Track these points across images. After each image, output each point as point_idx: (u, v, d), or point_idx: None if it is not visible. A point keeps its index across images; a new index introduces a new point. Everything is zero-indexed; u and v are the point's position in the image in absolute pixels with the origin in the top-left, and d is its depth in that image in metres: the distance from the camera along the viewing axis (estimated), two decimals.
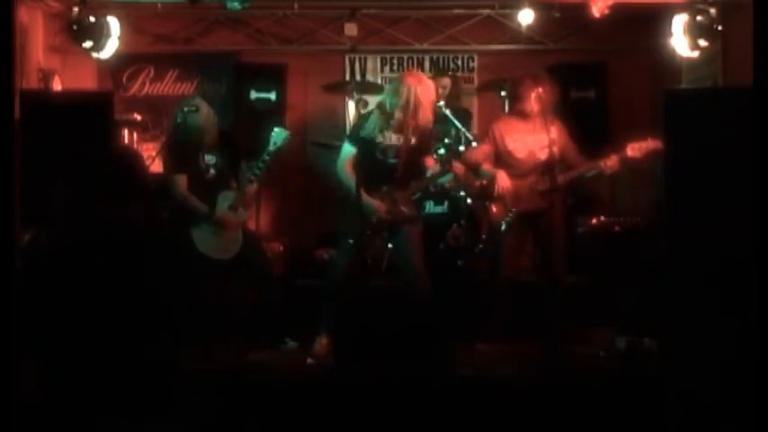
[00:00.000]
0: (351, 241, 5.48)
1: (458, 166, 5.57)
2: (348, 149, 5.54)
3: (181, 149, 5.78)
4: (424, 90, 5.42)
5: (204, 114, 5.70)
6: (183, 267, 5.55)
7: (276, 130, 5.67)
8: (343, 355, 5.15)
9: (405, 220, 5.57)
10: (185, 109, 5.70)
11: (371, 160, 5.49)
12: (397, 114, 5.41)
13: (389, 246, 5.91)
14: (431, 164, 5.68)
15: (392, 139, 5.49)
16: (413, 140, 5.48)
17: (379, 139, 5.49)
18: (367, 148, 5.50)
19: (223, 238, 5.68)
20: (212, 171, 5.74)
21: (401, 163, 5.49)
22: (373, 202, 5.44)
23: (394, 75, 8.29)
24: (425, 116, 5.44)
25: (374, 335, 5.07)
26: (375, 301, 5.28)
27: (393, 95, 5.44)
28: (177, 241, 5.61)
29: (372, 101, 7.30)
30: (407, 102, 5.37)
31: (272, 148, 5.63)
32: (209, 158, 5.74)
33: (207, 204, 5.67)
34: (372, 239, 5.55)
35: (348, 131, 5.60)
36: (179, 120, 5.70)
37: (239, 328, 5.98)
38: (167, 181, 5.77)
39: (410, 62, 8.34)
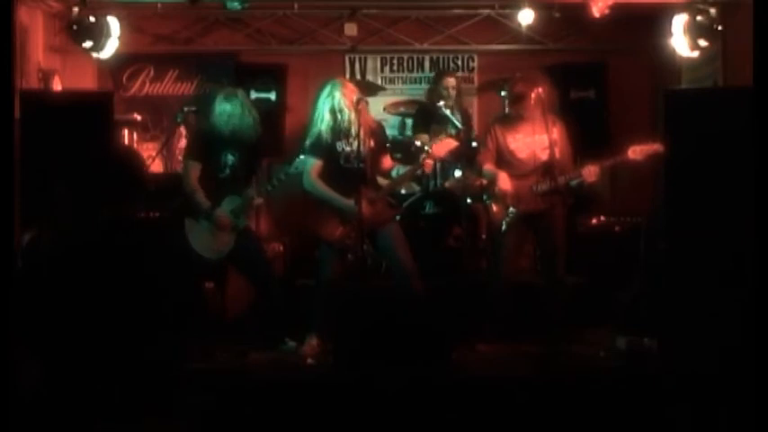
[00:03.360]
0: (332, 247, 5.59)
1: (427, 162, 5.64)
2: (311, 162, 5.63)
3: (205, 139, 5.76)
4: (349, 91, 5.61)
5: (246, 112, 5.71)
6: (188, 265, 5.56)
7: (302, 157, 5.68)
8: (343, 356, 5.15)
9: (385, 220, 5.68)
10: (223, 97, 5.71)
11: (337, 169, 5.60)
12: (345, 115, 5.54)
13: (375, 250, 5.93)
14: (389, 164, 5.88)
15: (350, 145, 5.59)
16: (371, 143, 5.62)
17: (339, 148, 5.60)
18: (329, 158, 5.61)
19: (216, 238, 5.65)
20: (228, 171, 5.73)
21: (367, 167, 5.59)
22: (353, 205, 5.48)
23: (394, 75, 8.30)
24: (364, 114, 5.60)
25: (374, 335, 5.08)
26: (374, 301, 5.28)
27: (330, 99, 5.58)
28: (173, 239, 5.59)
29: (372, 101, 7.30)
30: (344, 102, 5.54)
31: (292, 171, 5.64)
32: (230, 158, 5.72)
33: (212, 201, 5.66)
34: (355, 244, 5.59)
35: (307, 144, 5.64)
36: (187, 109, 5.70)
37: (239, 328, 5.99)
38: (183, 166, 5.75)
39: (410, 62, 8.33)
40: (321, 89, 5.70)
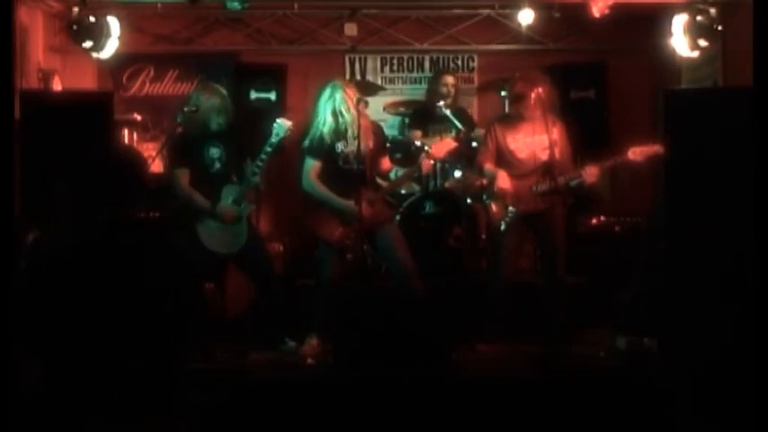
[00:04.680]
0: (331, 247, 5.61)
1: (426, 163, 5.69)
2: (311, 163, 5.65)
3: (184, 143, 5.76)
4: (350, 92, 5.64)
5: (219, 102, 5.73)
6: (188, 265, 5.56)
7: (278, 121, 5.67)
8: (343, 356, 5.15)
9: (383, 220, 5.72)
10: (198, 97, 5.73)
11: (336, 169, 5.62)
12: (347, 117, 5.56)
13: (374, 251, 5.95)
14: (388, 166, 5.95)
15: (349, 146, 5.60)
16: (371, 144, 5.65)
17: (338, 149, 5.61)
18: (329, 159, 5.62)
19: (228, 231, 5.68)
20: (217, 165, 5.73)
21: (367, 168, 5.63)
22: (352, 206, 5.50)
23: (394, 75, 8.30)
24: (363, 115, 5.64)
25: (374, 335, 5.08)
26: (374, 301, 5.29)
27: (331, 101, 5.60)
28: (180, 240, 5.60)
29: (372, 101, 7.29)
30: (345, 104, 5.57)
31: (274, 139, 5.61)
32: (214, 152, 5.73)
33: (211, 198, 5.65)
34: (354, 244, 5.59)
35: (306, 145, 5.65)
36: (187, 109, 5.71)
37: (239, 328, 5.99)
38: (170, 176, 5.77)
39: (410, 62, 8.33)
40: (322, 90, 5.70)
